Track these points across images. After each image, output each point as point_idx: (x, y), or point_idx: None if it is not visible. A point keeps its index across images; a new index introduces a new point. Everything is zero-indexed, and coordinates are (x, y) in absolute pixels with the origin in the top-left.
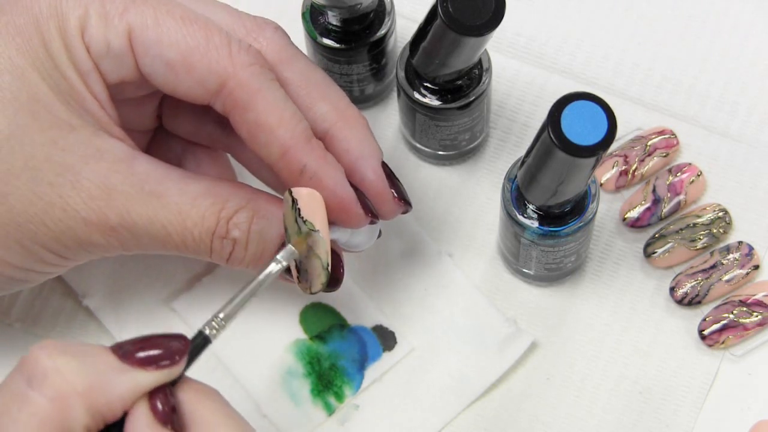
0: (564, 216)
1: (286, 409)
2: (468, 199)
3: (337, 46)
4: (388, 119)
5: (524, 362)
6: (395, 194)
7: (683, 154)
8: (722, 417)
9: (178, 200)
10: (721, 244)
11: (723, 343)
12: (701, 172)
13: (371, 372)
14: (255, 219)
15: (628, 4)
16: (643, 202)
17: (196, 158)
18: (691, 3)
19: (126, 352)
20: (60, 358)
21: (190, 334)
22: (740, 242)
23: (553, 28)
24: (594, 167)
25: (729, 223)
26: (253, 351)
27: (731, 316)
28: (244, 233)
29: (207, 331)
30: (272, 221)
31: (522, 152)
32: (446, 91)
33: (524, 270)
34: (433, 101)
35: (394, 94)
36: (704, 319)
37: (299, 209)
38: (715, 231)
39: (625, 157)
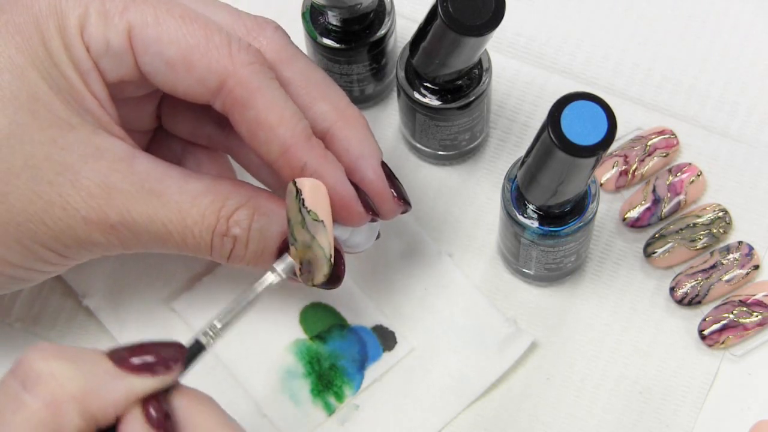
0: (564, 216)
1: (286, 409)
2: (468, 199)
3: (337, 46)
4: (388, 119)
5: (524, 362)
6: (395, 194)
7: (683, 154)
8: (722, 417)
9: (178, 198)
10: (721, 244)
11: (723, 343)
12: (701, 172)
13: (371, 372)
14: (255, 216)
15: (628, 4)
16: (643, 202)
17: (196, 158)
18: (691, 3)
19: (121, 357)
20: (55, 362)
21: (190, 334)
22: (740, 242)
23: (553, 28)
24: (594, 167)
25: (729, 223)
26: (253, 351)
27: (731, 316)
28: (245, 231)
29: (203, 339)
30: (273, 219)
31: (522, 152)
32: (446, 91)
33: (524, 270)
34: (433, 101)
35: (394, 94)
36: (704, 319)
37: (303, 199)
38: (715, 231)
39: (625, 157)
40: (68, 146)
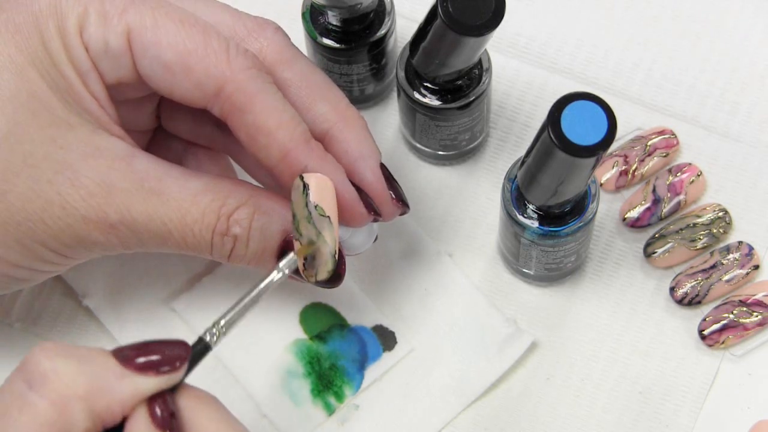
0: (564, 216)
1: (286, 409)
2: (468, 199)
3: (337, 46)
4: (388, 119)
5: (524, 362)
6: (393, 196)
7: (683, 154)
8: (722, 417)
9: (178, 197)
10: (721, 244)
11: (723, 343)
12: (701, 172)
13: (371, 372)
14: (256, 215)
15: (628, 4)
16: (643, 202)
17: (196, 158)
18: (691, 3)
19: (127, 357)
20: (61, 361)
21: (190, 334)
22: (740, 242)
23: (553, 28)
24: (594, 167)
25: (729, 223)
26: (253, 351)
27: (731, 316)
28: (245, 230)
29: (207, 338)
30: (273, 217)
31: (522, 152)
32: (446, 91)
33: (524, 270)
34: (433, 101)
35: (394, 94)
36: (704, 319)
37: (309, 194)
38: (715, 231)
39: (625, 157)
40: (67, 145)
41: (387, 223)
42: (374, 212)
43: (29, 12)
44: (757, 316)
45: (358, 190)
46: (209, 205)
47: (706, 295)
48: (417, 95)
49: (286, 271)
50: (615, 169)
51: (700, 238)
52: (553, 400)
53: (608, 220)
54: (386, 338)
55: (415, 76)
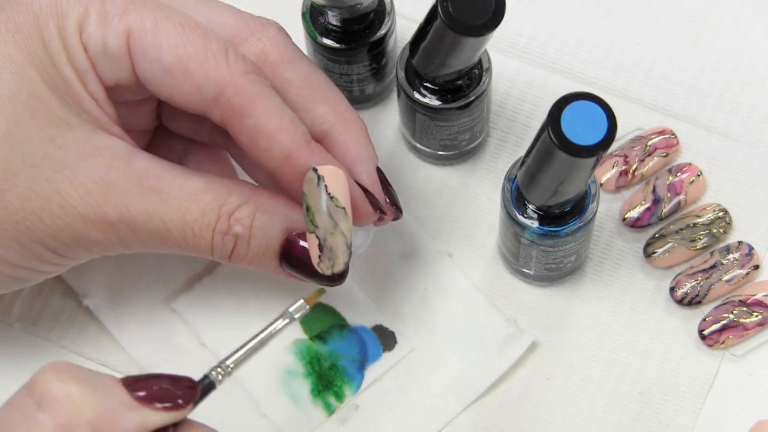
0: (564, 216)
1: (286, 409)
2: (468, 199)
3: (337, 46)
4: (388, 119)
5: (524, 362)
6: (387, 200)
7: (683, 154)
8: (722, 417)
9: (178, 196)
10: (721, 244)
11: (723, 343)
12: (701, 172)
13: (371, 372)
14: (257, 214)
15: (628, 4)
16: (643, 202)
17: (197, 158)
18: (691, 3)
19: (137, 388)
20: (72, 385)
21: (190, 334)
22: (740, 242)
23: (553, 28)
24: (594, 167)
25: (729, 223)
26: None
27: (731, 316)
28: (246, 229)
29: (213, 376)
30: (275, 216)
31: (522, 152)
32: (446, 91)
33: (524, 270)
34: (433, 101)
35: (394, 94)
36: (704, 319)
37: (326, 185)
38: (715, 231)
39: (625, 157)
40: (66, 145)
41: (387, 224)
42: (380, 211)
43: (30, 11)
44: (757, 316)
45: (364, 189)
46: (210, 204)
47: (706, 295)
48: (417, 95)
49: (297, 317)
50: (615, 169)
51: (700, 238)
52: (553, 400)
53: (608, 220)
54: (386, 338)
55: (415, 76)
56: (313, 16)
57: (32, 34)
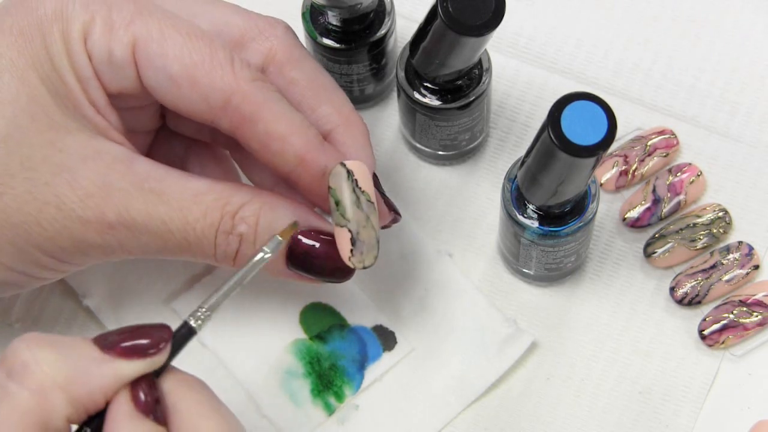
0: (564, 216)
1: (286, 409)
2: (468, 199)
3: (337, 46)
4: (388, 119)
5: (524, 362)
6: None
7: (683, 154)
8: (722, 417)
9: (179, 197)
10: (721, 244)
11: (723, 343)
12: (701, 172)
13: (371, 372)
14: (262, 212)
15: (628, 4)
16: (643, 202)
17: (199, 158)
18: (691, 3)
19: (107, 342)
20: (40, 351)
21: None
22: (740, 242)
23: (553, 28)
24: (594, 167)
25: (729, 223)
26: (253, 351)
27: (731, 316)
28: (252, 227)
29: (192, 322)
30: (281, 214)
31: (522, 152)
32: (446, 91)
33: (524, 270)
34: (433, 101)
35: (394, 94)
36: (704, 319)
37: (356, 180)
38: (715, 231)
39: (625, 157)
40: (66, 148)
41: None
42: (395, 212)
43: (34, 16)
44: (757, 316)
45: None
46: (212, 204)
47: (706, 295)
48: (417, 95)
49: (270, 254)
50: (615, 169)
51: (700, 238)
52: (553, 400)
53: (608, 220)
54: (386, 338)
55: (415, 76)
56: (313, 16)
57: (35, 39)
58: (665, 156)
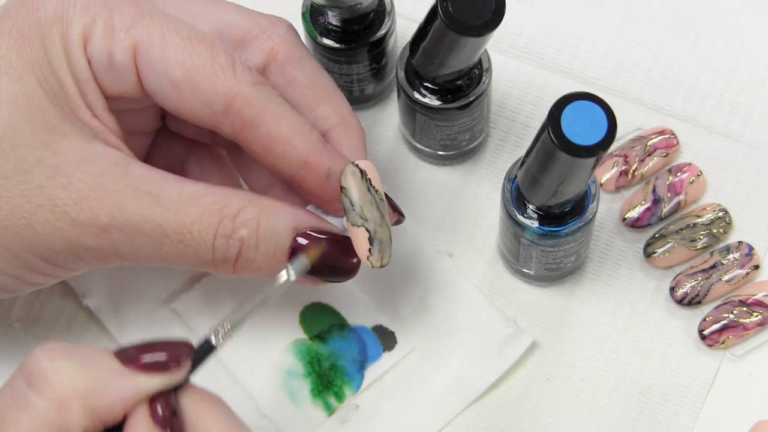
0: (564, 216)
1: (286, 409)
2: (468, 199)
3: (337, 46)
4: (388, 119)
5: (524, 362)
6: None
7: (683, 154)
8: (722, 417)
9: (176, 200)
10: (721, 244)
11: (723, 343)
12: (701, 172)
13: (371, 372)
14: (263, 215)
15: (628, 4)
16: (643, 202)
17: (199, 162)
18: (691, 3)
19: (128, 355)
20: (61, 361)
21: (190, 334)
22: (740, 242)
23: (553, 28)
24: (594, 167)
25: (729, 223)
26: (253, 351)
27: (731, 316)
28: (253, 231)
29: (213, 339)
30: (282, 216)
31: (522, 152)
32: (446, 91)
33: (524, 270)
34: (433, 101)
35: (394, 94)
36: (704, 319)
37: (370, 179)
38: (715, 231)
39: (625, 157)
40: (61, 151)
41: None
42: (399, 213)
43: (34, 18)
44: (757, 316)
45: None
46: (210, 206)
47: (706, 295)
48: (417, 95)
49: (293, 273)
50: (615, 169)
51: (700, 238)
52: (553, 400)
53: (608, 220)
54: (386, 338)
55: (415, 76)
56: (313, 16)
57: (34, 40)
58: (665, 156)
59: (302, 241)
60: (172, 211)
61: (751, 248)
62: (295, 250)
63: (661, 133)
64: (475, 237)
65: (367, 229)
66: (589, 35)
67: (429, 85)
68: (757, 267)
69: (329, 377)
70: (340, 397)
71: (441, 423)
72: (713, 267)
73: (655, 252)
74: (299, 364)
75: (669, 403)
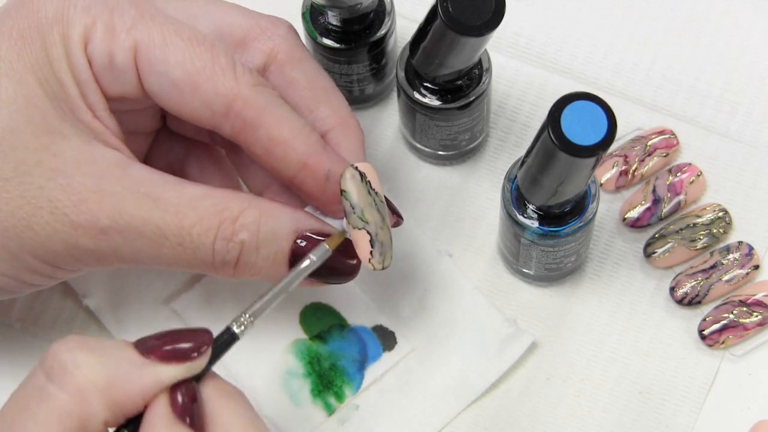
0: (564, 216)
1: (286, 409)
2: (468, 199)
3: (337, 46)
4: (388, 119)
5: (524, 362)
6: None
7: (683, 154)
8: (722, 417)
9: (175, 202)
10: (721, 244)
11: (723, 343)
12: (701, 172)
13: (371, 372)
14: (263, 218)
15: (628, 4)
16: (643, 202)
17: (199, 162)
18: (691, 3)
19: (147, 346)
20: (80, 353)
21: None
22: (740, 242)
23: (553, 28)
24: (594, 167)
25: (729, 223)
26: (253, 351)
27: (731, 316)
28: (254, 234)
29: (234, 328)
30: (282, 218)
31: (522, 152)
32: (446, 91)
33: (524, 270)
34: (433, 101)
35: (394, 94)
36: (704, 319)
37: (369, 182)
38: (715, 231)
39: (625, 157)
40: (61, 153)
41: None
42: (397, 215)
43: (35, 18)
44: (757, 316)
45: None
46: (209, 209)
47: (706, 295)
48: (417, 95)
49: (314, 259)
50: (615, 169)
51: (700, 238)
52: (553, 400)
53: (608, 220)
54: (386, 338)
55: (415, 76)
56: (313, 16)
57: (35, 41)
58: (665, 156)
59: (302, 243)
60: (171, 213)
61: (751, 248)
62: (295, 252)
63: (661, 133)
64: (475, 237)
65: (368, 232)
66: (589, 35)
67: (429, 85)
68: (757, 267)
69: (329, 377)
70: (340, 397)
71: (441, 423)
72: (713, 267)
73: (655, 252)
74: (299, 364)
75: (669, 403)
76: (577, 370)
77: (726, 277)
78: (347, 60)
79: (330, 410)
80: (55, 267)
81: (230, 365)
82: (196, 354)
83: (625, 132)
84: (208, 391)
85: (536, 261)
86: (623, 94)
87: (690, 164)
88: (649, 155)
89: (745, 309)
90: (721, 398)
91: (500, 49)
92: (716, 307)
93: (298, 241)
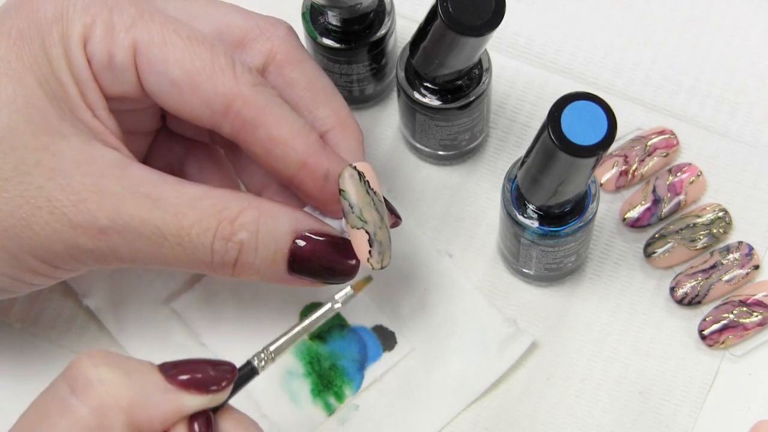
0: (564, 216)
1: (286, 409)
2: (468, 199)
3: (337, 46)
4: (388, 119)
5: (524, 362)
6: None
7: (683, 154)
8: (722, 417)
9: (175, 202)
10: (721, 244)
11: (723, 343)
12: (701, 172)
13: (371, 372)
14: (262, 218)
15: (628, 4)
16: (643, 202)
17: (198, 162)
18: (691, 3)
19: (173, 372)
20: (106, 370)
21: (190, 334)
22: (740, 242)
23: (553, 28)
24: (594, 167)
25: (729, 223)
26: (253, 351)
27: (731, 316)
28: (253, 234)
29: (255, 363)
30: (281, 219)
31: (522, 152)
32: (446, 91)
33: (524, 270)
34: (433, 101)
35: (394, 94)
36: (704, 319)
37: (368, 182)
38: (715, 231)
39: (625, 157)
40: (60, 153)
41: None
42: (396, 216)
43: (33, 18)
44: (757, 316)
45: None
46: (208, 209)
47: (706, 295)
48: (417, 95)
49: (339, 303)
50: (615, 169)
51: (700, 238)
52: (553, 400)
53: (608, 220)
54: (386, 338)
55: (415, 76)
56: (313, 16)
57: (34, 41)
58: (665, 156)
59: (301, 243)
60: (170, 213)
61: (751, 248)
62: (293, 253)
63: (661, 133)
64: (475, 237)
65: (366, 231)
66: (589, 35)
67: (429, 85)
68: (757, 267)
69: (329, 377)
70: (340, 397)
71: (441, 423)
72: (713, 267)
73: (655, 252)
74: (299, 364)
75: (669, 403)
76: (577, 370)
77: (726, 277)
78: (347, 60)
79: (330, 410)
80: (54, 267)
81: None
82: (219, 387)
83: (625, 132)
84: (225, 423)
85: (536, 261)
86: (623, 94)
87: (690, 164)
88: (649, 155)
89: (745, 309)
90: (721, 398)
91: (500, 49)
92: (716, 307)
93: (297, 241)
